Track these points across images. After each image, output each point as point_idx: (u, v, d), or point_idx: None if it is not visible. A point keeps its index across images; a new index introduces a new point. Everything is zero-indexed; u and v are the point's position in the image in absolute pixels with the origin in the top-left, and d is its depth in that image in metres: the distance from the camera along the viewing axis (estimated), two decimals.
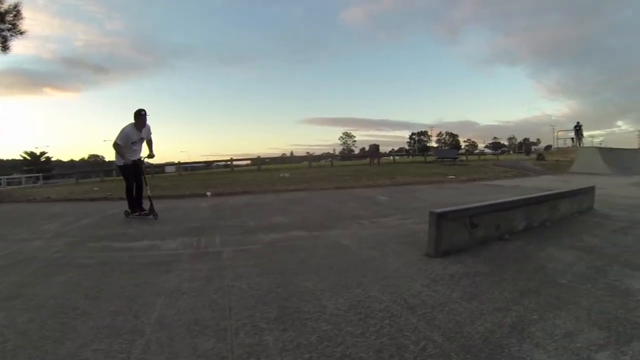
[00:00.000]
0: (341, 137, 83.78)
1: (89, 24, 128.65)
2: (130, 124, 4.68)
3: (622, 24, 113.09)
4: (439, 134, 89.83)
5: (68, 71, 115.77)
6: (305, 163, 20.26)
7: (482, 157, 28.87)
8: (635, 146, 33.27)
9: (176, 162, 19.69)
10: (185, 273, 2.51)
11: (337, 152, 68.02)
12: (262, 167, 18.40)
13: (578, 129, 23.99)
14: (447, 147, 71.34)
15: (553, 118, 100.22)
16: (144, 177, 4.94)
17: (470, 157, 26.19)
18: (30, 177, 24.90)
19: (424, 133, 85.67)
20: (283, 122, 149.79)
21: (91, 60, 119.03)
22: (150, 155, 4.89)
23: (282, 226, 4.16)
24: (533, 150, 34.22)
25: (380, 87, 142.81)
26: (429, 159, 22.82)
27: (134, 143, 4.76)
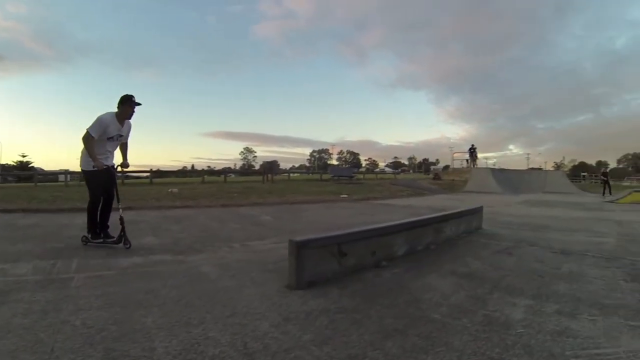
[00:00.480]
0: (242, 152, 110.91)
1: None
2: (111, 114, 4.75)
3: (515, 61, 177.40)
4: (340, 152, 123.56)
5: None
6: (199, 178, 26.39)
7: (379, 175, 38.00)
8: (524, 167, 45.87)
9: (71, 170, 22.91)
10: (22, 305, 2.82)
11: (237, 167, 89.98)
12: (156, 180, 23.89)
13: (472, 151, 32.85)
14: (347, 165, 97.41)
15: (452, 140, 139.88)
16: (116, 191, 5.07)
17: (369, 176, 35.38)
18: None
19: (325, 151, 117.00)
20: (186, 134, 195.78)
21: None
22: (125, 164, 5.17)
23: (148, 248, 4.99)
24: (432, 169, 43.02)
25: (285, 103, 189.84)
26: (325, 177, 29.00)
27: (110, 139, 4.83)
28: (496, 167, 34.96)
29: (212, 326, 2.44)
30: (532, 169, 45.49)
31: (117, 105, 4.82)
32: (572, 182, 32.86)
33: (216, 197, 13.23)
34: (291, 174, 37.97)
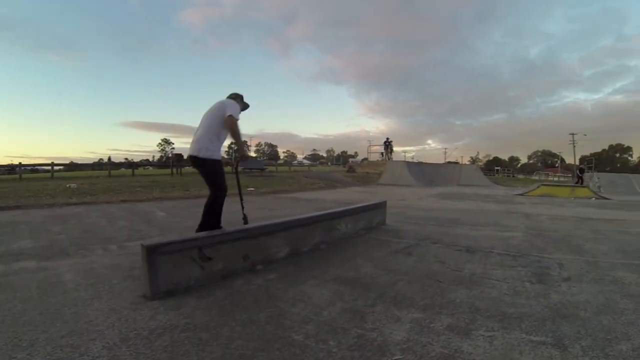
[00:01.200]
0: (160, 143, 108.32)
1: None
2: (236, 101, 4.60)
3: (437, 62, 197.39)
4: (258, 144, 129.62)
5: None
6: (105, 171, 26.29)
7: (294, 168, 39.25)
8: (442, 161, 47.77)
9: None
10: None
11: (156, 159, 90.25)
12: (69, 174, 24.82)
13: (388, 144, 34.20)
14: (265, 158, 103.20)
15: (371, 134, 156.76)
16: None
17: (283, 168, 35.78)
18: None
19: (244, 142, 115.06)
20: (104, 124, 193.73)
21: None
22: (244, 156, 5.13)
23: (17, 254, 4.65)
24: (350, 162, 43.90)
25: (207, 93, 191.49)
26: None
27: None
28: (414, 160, 37.05)
29: (40, 349, 2.23)
30: (449, 162, 47.97)
31: (231, 96, 4.71)
32: (486, 175, 35.17)
33: (117, 192, 13.05)
34: None
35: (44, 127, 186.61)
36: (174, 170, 25.14)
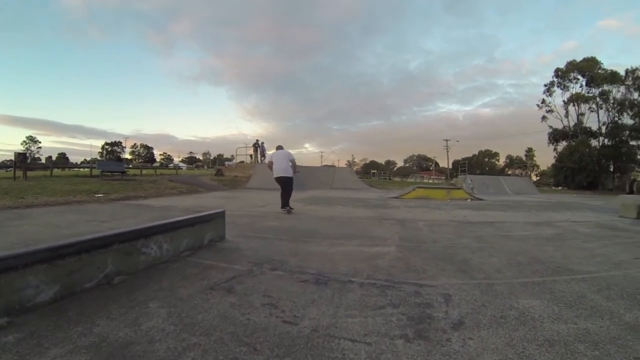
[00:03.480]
0: (24, 141, 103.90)
1: None
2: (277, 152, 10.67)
3: (320, 67, 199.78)
4: (134, 146, 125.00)
5: None
6: None
7: (159, 171, 37.58)
8: (318, 165, 47.42)
9: None
10: None
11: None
12: None
13: (258, 146, 33.17)
14: (140, 160, 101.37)
15: (248, 137, 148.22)
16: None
17: (148, 171, 34.04)
18: None
19: (118, 144, 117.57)
20: None
21: None
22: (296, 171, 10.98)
23: None
24: (226, 165, 42.16)
25: (81, 87, 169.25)
26: (95, 172, 26.15)
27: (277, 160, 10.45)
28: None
29: None
30: (325, 166, 48.02)
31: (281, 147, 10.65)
32: (362, 179, 35.61)
33: None
34: (80, 169, 35.98)
35: None
36: (18, 173, 21.15)
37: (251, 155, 33.90)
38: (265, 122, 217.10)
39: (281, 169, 10.01)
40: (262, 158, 32.37)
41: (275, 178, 10.12)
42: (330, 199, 15.51)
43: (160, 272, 3.92)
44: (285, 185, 10.06)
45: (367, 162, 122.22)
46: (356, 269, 4.20)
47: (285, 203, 9.99)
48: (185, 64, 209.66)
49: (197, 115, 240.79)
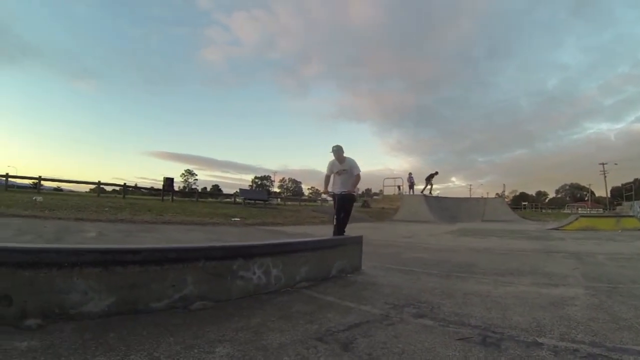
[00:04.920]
0: (183, 174, 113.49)
1: None
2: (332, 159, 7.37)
3: (453, 99, 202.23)
4: (282, 180, 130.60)
5: None
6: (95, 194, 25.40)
7: (304, 203, 39.32)
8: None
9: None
10: None
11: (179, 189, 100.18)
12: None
13: (412, 180, 30.62)
14: (289, 194, 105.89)
15: (395, 172, 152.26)
16: (343, 211, 7.02)
17: (292, 203, 36.52)
18: None
19: (267, 177, 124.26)
20: (130, 152, 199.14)
21: None
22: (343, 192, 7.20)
23: None
24: (373, 198, 41.99)
25: (229, 129, 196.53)
26: (238, 200, 28.63)
27: (336, 174, 7.24)
28: (438, 194, 34.01)
29: None
30: (475, 198, 44.67)
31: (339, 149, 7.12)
32: (515, 211, 32.07)
33: (80, 210, 12.20)
34: (225, 199, 37.86)
35: (72, 150, 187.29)
36: (166, 195, 24.37)
37: (399, 187, 32.45)
38: (410, 156, 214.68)
39: (339, 182, 7.09)
40: (411, 191, 30.75)
41: (332, 195, 7.26)
42: (483, 231, 13.80)
43: (259, 304, 3.02)
44: (343, 204, 6.93)
45: (517, 194, 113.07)
46: (539, 321, 2.71)
47: (339, 232, 6.85)
48: (323, 103, 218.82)
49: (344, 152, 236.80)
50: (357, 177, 6.96)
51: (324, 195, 8.36)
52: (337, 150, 6.94)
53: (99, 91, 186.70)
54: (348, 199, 7.01)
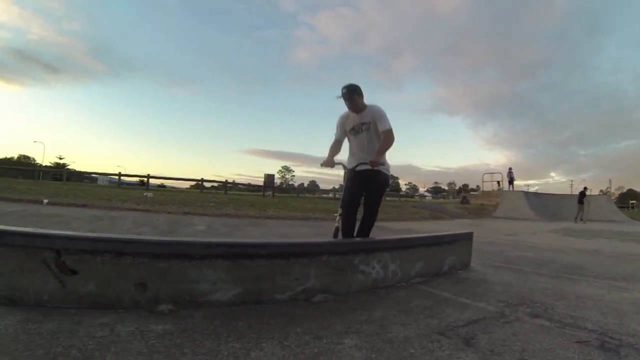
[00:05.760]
0: (280, 170, 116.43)
1: (47, 19, 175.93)
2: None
3: (551, 85, 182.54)
4: None
5: (18, 63, 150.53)
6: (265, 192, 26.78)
7: (403, 199, 37.66)
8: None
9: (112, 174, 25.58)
10: None
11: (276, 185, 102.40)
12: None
13: (511, 174, 28.92)
14: (387, 190, 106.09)
15: (491, 166, 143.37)
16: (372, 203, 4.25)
17: (392, 199, 33.92)
18: None
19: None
20: (228, 150, 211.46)
21: (43, 58, 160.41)
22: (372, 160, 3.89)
23: None
24: (471, 194, 39.89)
25: (323, 126, 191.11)
26: (338, 196, 28.00)
27: (352, 131, 4.22)
28: (537, 190, 31.62)
29: None
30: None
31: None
32: (622, 210, 28.68)
33: (187, 204, 12.71)
34: (323, 194, 37.59)
35: (175, 150, 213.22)
36: (266, 192, 25.08)
37: (498, 182, 30.21)
38: (506, 150, 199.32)
39: (359, 148, 4.13)
40: (510, 186, 28.76)
41: (350, 171, 4.12)
42: (588, 231, 12.46)
43: (378, 298, 2.99)
44: (369, 189, 4.09)
45: (624, 190, 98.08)
46: None
47: (360, 235, 4.13)
48: (417, 96, 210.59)
49: (437, 146, 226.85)
50: (388, 137, 3.86)
51: (325, 167, 4.18)
52: (351, 92, 3.87)
53: (198, 95, 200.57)
54: (379, 180, 4.04)
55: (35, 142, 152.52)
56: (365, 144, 4.02)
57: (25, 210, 8.58)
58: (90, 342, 1.85)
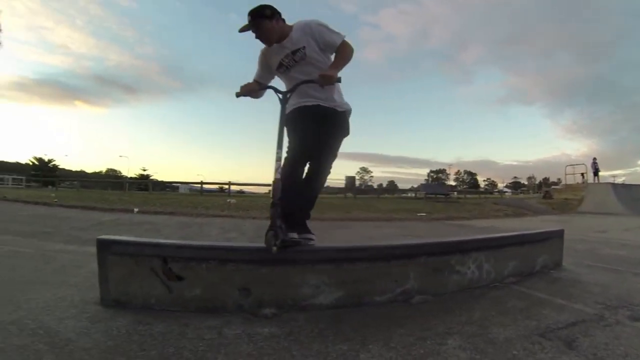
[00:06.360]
0: (358, 171, 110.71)
1: (122, 46, 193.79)
2: None
3: (631, 62, 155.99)
4: (457, 172, 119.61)
5: (99, 88, 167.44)
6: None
7: (482, 195, 35.84)
8: None
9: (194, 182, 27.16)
10: None
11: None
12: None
13: (596, 165, 26.77)
14: (465, 186, 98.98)
15: (572, 157, 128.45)
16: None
17: (471, 196, 32.49)
18: (15, 179, 40.05)
19: (442, 171, 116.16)
20: None
21: (121, 80, 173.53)
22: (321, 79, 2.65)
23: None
24: (551, 188, 36.88)
25: (397, 124, 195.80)
26: (419, 195, 26.95)
27: (279, 69, 2.93)
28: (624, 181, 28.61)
29: None
30: None
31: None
32: None
33: (261, 209, 12.42)
34: (402, 194, 36.52)
35: (249, 157, 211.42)
36: (349, 193, 25.26)
37: (582, 175, 27.75)
38: (587, 138, 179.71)
39: (292, 83, 2.81)
40: (595, 178, 26.38)
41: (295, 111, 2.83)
42: None
43: (474, 299, 2.92)
44: (323, 131, 2.79)
45: None
46: None
47: (301, 215, 2.93)
48: (488, 87, 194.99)
49: (515, 138, 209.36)
50: (345, 47, 2.79)
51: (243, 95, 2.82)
52: (257, 18, 2.65)
53: (269, 102, 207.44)
54: (337, 120, 2.94)
55: (120, 156, 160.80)
56: (307, 77, 2.73)
57: (118, 219, 9.07)
58: (200, 344, 1.92)
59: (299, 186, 2.83)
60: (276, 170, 2.54)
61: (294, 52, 2.78)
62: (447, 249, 3.18)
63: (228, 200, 14.82)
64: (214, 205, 13.29)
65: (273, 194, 2.54)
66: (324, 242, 6.30)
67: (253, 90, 2.90)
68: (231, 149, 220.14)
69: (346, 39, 2.79)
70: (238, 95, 2.87)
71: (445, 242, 3.52)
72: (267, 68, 2.97)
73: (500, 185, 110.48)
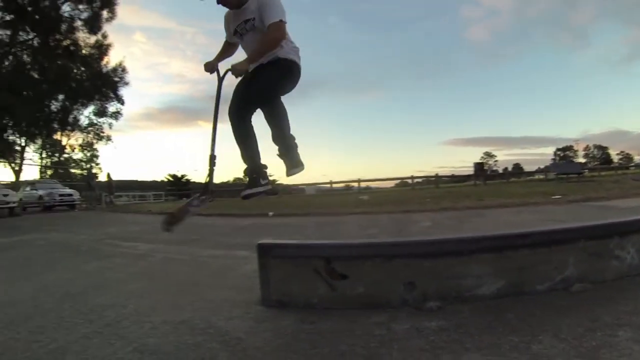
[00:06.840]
0: (482, 157, 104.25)
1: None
2: None
3: None
4: (586, 148, 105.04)
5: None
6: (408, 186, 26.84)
7: (620, 172, 31.72)
8: None
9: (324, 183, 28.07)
10: None
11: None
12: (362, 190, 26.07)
13: None
14: (596, 162, 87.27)
15: None
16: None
17: (606, 173, 29.71)
18: (155, 194, 42.35)
19: (570, 148, 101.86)
20: (424, 145, 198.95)
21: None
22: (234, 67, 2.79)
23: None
24: None
25: (513, 102, 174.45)
26: (550, 176, 25.21)
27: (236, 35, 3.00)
28: None
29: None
30: None
31: None
32: None
33: (404, 203, 12.03)
34: (529, 177, 34.09)
35: (372, 153, 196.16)
36: (478, 180, 24.04)
37: None
38: None
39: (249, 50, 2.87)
40: None
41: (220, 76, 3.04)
42: None
43: (636, 286, 2.63)
44: (248, 91, 2.79)
45: None
46: None
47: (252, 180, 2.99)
48: (607, 48, 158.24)
49: None
50: (274, 33, 2.60)
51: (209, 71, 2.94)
52: None
53: (384, 99, 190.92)
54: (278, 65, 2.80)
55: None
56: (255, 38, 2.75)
57: (256, 223, 9.14)
58: (372, 340, 1.90)
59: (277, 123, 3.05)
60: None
61: (245, 22, 2.75)
62: (605, 232, 2.87)
63: (360, 197, 14.51)
64: (347, 203, 13.14)
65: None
66: (468, 231, 6.01)
67: (214, 67, 2.98)
68: (352, 147, 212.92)
69: (281, 22, 2.60)
70: (205, 70, 2.98)
71: (604, 224, 3.14)
72: (229, 31, 3.01)
73: (637, 158, 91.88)
